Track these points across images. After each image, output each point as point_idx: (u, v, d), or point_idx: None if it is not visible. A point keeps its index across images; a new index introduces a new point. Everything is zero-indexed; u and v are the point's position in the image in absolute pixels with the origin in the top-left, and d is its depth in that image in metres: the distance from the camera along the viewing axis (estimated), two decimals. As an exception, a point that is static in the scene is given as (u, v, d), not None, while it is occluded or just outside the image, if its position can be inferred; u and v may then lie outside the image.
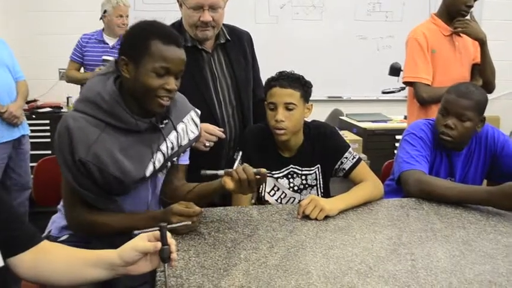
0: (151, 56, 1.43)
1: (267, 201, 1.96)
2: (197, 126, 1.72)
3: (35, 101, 4.22)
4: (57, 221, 1.68)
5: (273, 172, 1.94)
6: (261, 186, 1.94)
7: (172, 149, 1.61)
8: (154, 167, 1.55)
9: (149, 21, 1.52)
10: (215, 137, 1.93)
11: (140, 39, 1.45)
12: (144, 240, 1.13)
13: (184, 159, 1.73)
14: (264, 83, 1.97)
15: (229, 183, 1.51)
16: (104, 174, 1.45)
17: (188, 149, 1.72)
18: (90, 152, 1.43)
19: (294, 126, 1.86)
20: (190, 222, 1.42)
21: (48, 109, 4.18)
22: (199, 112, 1.74)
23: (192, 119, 1.70)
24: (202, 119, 1.80)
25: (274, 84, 1.87)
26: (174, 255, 1.12)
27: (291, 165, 1.94)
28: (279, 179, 1.95)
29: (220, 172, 1.54)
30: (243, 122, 2.12)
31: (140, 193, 1.61)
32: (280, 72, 1.90)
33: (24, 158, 3.37)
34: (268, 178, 1.93)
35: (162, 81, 1.45)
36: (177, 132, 1.62)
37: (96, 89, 1.49)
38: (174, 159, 1.65)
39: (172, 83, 1.47)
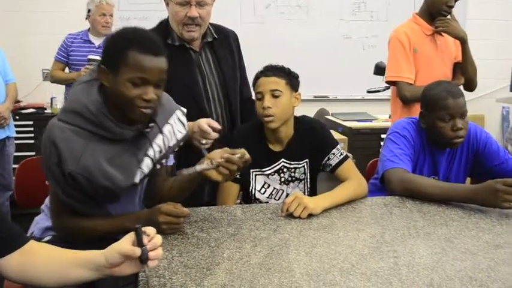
0: (128, 66, 1.40)
1: (258, 199, 1.97)
2: (184, 126, 1.70)
3: (18, 102, 4.17)
4: (40, 222, 1.67)
5: (264, 169, 1.96)
6: (251, 184, 1.96)
7: (160, 152, 1.60)
8: (143, 172, 1.55)
9: (130, 30, 1.48)
10: (214, 134, 1.83)
11: (118, 48, 1.42)
12: (128, 243, 1.12)
13: (170, 160, 1.72)
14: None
15: (216, 176, 1.52)
16: (94, 185, 1.44)
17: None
18: (79, 164, 1.41)
19: (281, 112, 1.88)
20: None
21: (32, 110, 4.14)
22: (185, 110, 1.72)
23: (179, 118, 1.68)
24: (194, 119, 1.79)
25: (260, 76, 1.93)
26: (152, 253, 1.11)
27: (282, 160, 1.96)
28: (270, 176, 1.96)
29: (199, 167, 1.52)
30: (231, 121, 2.11)
31: (129, 198, 1.61)
32: (266, 65, 1.96)
33: (8, 160, 3.36)
34: (258, 176, 1.96)
35: (139, 91, 1.42)
36: (163, 134, 1.60)
37: (82, 100, 1.45)
38: (163, 161, 1.64)
39: (150, 93, 1.43)
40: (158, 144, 1.59)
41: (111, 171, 1.45)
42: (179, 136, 1.67)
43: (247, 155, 1.53)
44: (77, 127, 1.44)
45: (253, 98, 2.24)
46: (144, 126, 1.53)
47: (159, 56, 1.44)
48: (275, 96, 1.87)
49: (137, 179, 1.53)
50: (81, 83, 1.51)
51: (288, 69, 1.95)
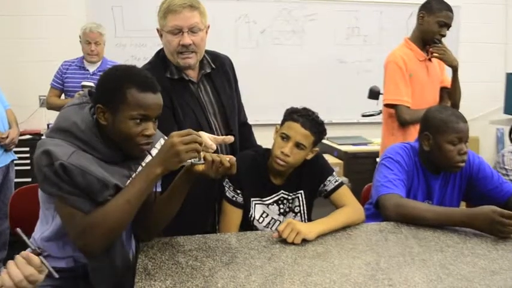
0: (128, 105, 1.43)
1: (255, 226, 1.96)
2: None
3: (14, 128, 4.18)
4: None
5: (264, 199, 1.96)
6: (251, 212, 1.95)
7: None
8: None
9: (124, 68, 1.51)
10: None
11: (116, 87, 1.44)
12: None
13: (157, 186, 1.70)
14: (285, 111, 1.96)
15: (204, 169, 1.50)
16: (86, 176, 1.40)
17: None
18: (71, 158, 1.39)
19: (295, 163, 1.90)
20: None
21: (28, 136, 4.14)
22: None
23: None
24: None
25: (297, 119, 1.89)
26: None
27: (281, 191, 1.97)
28: (269, 206, 1.97)
29: (187, 162, 1.49)
30: (231, 149, 2.11)
31: None
32: (307, 110, 1.93)
33: (10, 186, 3.34)
34: (258, 205, 1.96)
35: (140, 127, 1.46)
36: (152, 156, 1.59)
37: (72, 118, 1.47)
38: None
39: (150, 128, 1.48)
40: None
41: (101, 170, 1.44)
42: None
43: (234, 160, 1.52)
44: (66, 141, 1.44)
45: (248, 121, 2.27)
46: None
47: (157, 92, 1.48)
48: (298, 148, 1.88)
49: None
50: (72, 105, 1.54)
51: (323, 125, 1.94)
